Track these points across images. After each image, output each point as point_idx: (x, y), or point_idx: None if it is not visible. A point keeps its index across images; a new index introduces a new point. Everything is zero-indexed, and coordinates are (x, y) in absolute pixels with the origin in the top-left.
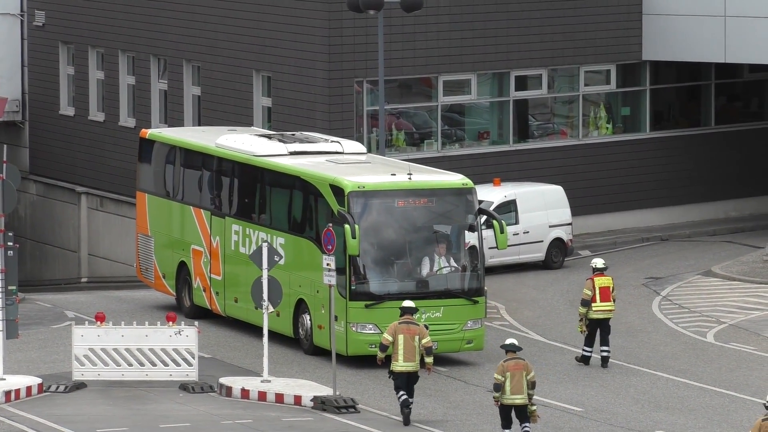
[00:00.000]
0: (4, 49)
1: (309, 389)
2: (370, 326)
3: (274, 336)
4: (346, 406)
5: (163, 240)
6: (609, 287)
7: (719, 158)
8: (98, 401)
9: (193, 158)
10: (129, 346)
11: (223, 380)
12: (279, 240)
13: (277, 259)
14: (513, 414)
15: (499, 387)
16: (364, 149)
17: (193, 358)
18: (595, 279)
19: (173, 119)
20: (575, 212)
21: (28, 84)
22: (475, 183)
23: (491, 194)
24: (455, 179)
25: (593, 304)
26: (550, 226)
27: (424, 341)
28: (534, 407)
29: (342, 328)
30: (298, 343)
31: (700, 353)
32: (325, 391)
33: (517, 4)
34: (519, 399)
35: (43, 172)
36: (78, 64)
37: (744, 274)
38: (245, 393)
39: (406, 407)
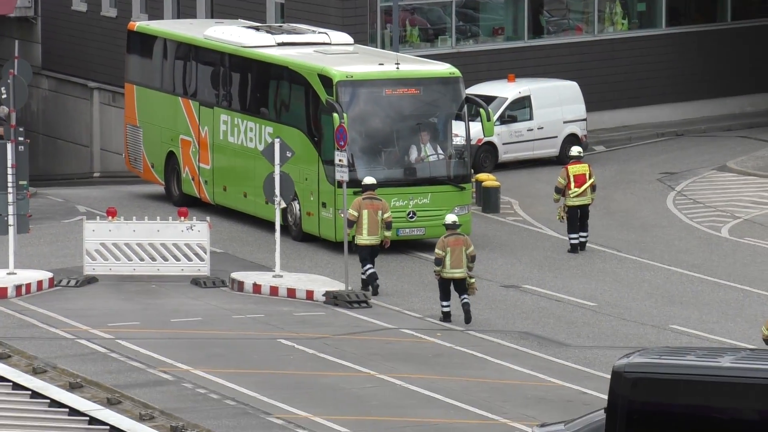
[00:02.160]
0: None
1: (321, 284)
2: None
3: (285, 230)
4: (358, 301)
5: (151, 130)
6: (585, 174)
7: (735, 54)
8: (109, 296)
9: (182, 50)
10: (140, 240)
11: (235, 275)
12: (267, 129)
13: (288, 155)
14: (452, 287)
15: (440, 261)
16: (351, 40)
17: (205, 252)
18: (570, 167)
19: (186, 15)
20: (590, 108)
21: None
22: (490, 79)
23: (505, 90)
24: (443, 68)
25: (569, 191)
26: (565, 122)
27: (385, 215)
28: (472, 280)
29: (331, 214)
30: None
31: (714, 248)
32: (337, 286)
33: None
34: (458, 273)
35: (55, 68)
36: None
37: (759, 168)
38: (257, 288)
39: (374, 280)
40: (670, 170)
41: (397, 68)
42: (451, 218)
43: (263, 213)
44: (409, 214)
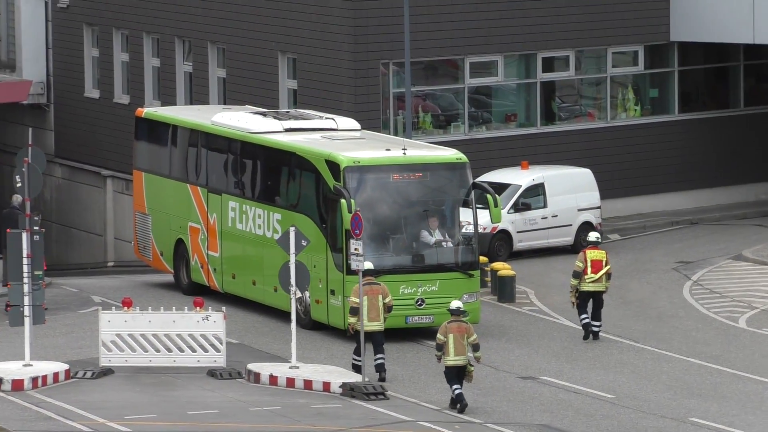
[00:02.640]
0: (28, 31)
1: (338, 375)
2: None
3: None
4: (375, 393)
5: (160, 218)
6: (602, 260)
7: (748, 140)
8: (126, 388)
9: (189, 136)
10: (156, 331)
11: (251, 366)
12: (275, 216)
13: (304, 243)
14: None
15: (441, 347)
16: (358, 126)
17: (221, 343)
18: (588, 252)
19: (198, 102)
20: (604, 195)
21: (52, 66)
22: (503, 166)
23: (519, 177)
24: (450, 154)
25: (585, 276)
26: (579, 210)
27: (386, 300)
28: (472, 368)
29: (339, 302)
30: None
31: (732, 339)
32: (354, 377)
33: None
34: (461, 360)
35: (68, 155)
36: (102, 46)
37: None
38: (273, 379)
39: (383, 371)
40: (685, 259)
41: (404, 153)
42: (455, 304)
43: (272, 301)
44: (417, 301)
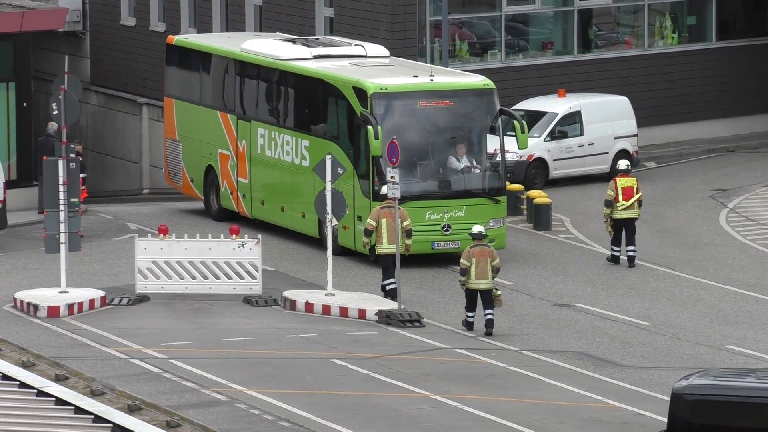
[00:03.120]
0: None
1: (373, 303)
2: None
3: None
4: (411, 320)
5: (190, 145)
6: (633, 187)
7: None
8: (161, 314)
9: (219, 63)
10: (192, 259)
11: (287, 294)
12: (303, 143)
13: (340, 171)
14: (479, 298)
15: (465, 271)
16: (387, 52)
17: (257, 271)
18: (618, 180)
19: (234, 30)
20: (640, 123)
21: None
22: (540, 94)
23: (556, 105)
24: (477, 80)
25: (617, 204)
26: (616, 138)
27: (405, 223)
28: (499, 292)
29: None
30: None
31: None
32: (390, 304)
33: None
34: (483, 284)
35: (104, 83)
36: None
37: None
38: (309, 306)
39: (394, 297)
40: (722, 187)
41: (432, 80)
42: (477, 228)
43: (300, 227)
44: (444, 227)
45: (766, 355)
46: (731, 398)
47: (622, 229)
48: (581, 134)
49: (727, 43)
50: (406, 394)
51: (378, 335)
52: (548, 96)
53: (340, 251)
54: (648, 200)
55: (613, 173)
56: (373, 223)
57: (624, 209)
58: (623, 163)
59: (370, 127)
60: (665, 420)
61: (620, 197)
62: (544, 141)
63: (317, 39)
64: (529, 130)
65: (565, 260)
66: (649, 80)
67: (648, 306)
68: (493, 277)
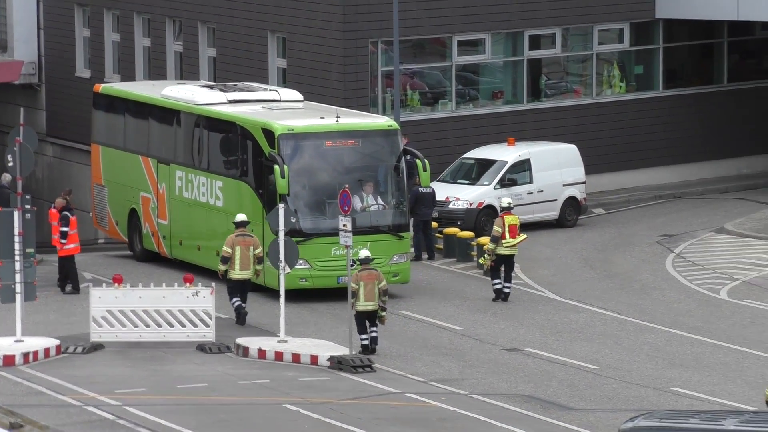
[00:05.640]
0: (20, 12)
1: (325, 349)
2: (301, 262)
3: (290, 296)
4: (362, 365)
5: (115, 189)
6: (516, 225)
7: (732, 116)
8: (116, 362)
9: (141, 109)
10: (146, 307)
11: (240, 341)
12: (217, 183)
13: (293, 220)
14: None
15: (354, 294)
16: (300, 97)
17: (210, 318)
18: (505, 217)
19: (189, 81)
20: (589, 171)
21: (44, 47)
22: (490, 142)
23: (505, 153)
24: (381, 121)
25: (503, 240)
26: (564, 185)
27: (257, 251)
28: (383, 313)
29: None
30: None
31: (713, 310)
32: (341, 350)
33: None
34: (371, 306)
35: (59, 134)
36: (93, 26)
37: (757, 230)
38: (262, 353)
39: (242, 310)
40: (668, 232)
41: (337, 121)
42: (364, 253)
43: (215, 265)
44: (351, 263)
45: (710, 397)
46: None
47: (503, 265)
48: (530, 182)
49: (674, 92)
50: None
51: (330, 380)
52: (498, 144)
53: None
54: (595, 246)
55: (562, 220)
56: (229, 250)
57: (508, 246)
58: (506, 201)
59: (276, 167)
60: None
61: (506, 234)
62: (494, 189)
63: (235, 85)
64: (479, 178)
65: (515, 305)
66: (597, 128)
67: (595, 350)
68: (382, 300)
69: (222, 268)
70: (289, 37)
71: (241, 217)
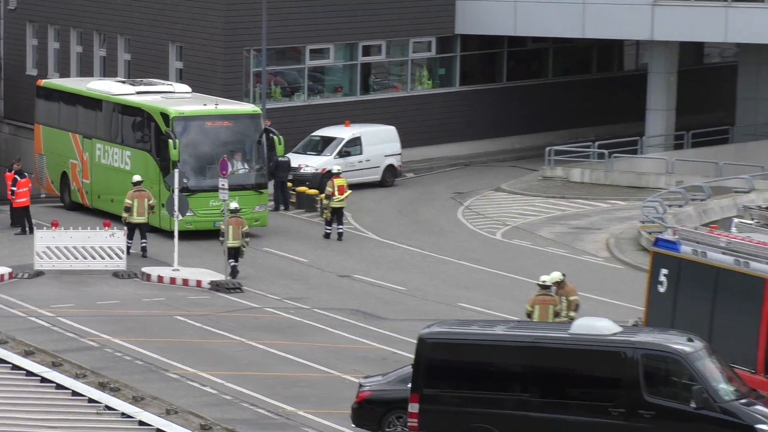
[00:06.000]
0: None
1: (207, 275)
2: (190, 211)
3: (179, 236)
4: (234, 288)
5: (51, 157)
6: (343, 185)
7: (509, 106)
8: (52, 285)
9: (72, 98)
10: (75, 244)
11: (145, 269)
12: (126, 153)
13: (185, 181)
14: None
15: (223, 234)
16: (189, 89)
17: (123, 253)
18: (335, 180)
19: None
20: (404, 145)
21: (3, 52)
22: (332, 124)
23: (343, 132)
24: (248, 108)
25: (334, 197)
26: (385, 156)
27: (150, 202)
28: (244, 249)
29: (166, 212)
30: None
31: (491, 247)
32: (219, 277)
33: None
34: (236, 243)
35: (14, 117)
36: (39, 37)
37: (523, 189)
38: (160, 278)
39: (128, 249)
40: (460, 191)
41: (216, 107)
42: (233, 205)
43: (119, 212)
44: (224, 211)
45: (486, 310)
46: (460, 341)
47: (335, 215)
48: (361, 153)
49: (468, 88)
50: (228, 341)
51: (210, 298)
52: (337, 126)
53: (151, 228)
54: (407, 200)
55: (383, 181)
56: (130, 202)
57: (338, 201)
58: (335, 168)
59: (170, 141)
60: (413, 356)
61: (336, 193)
62: (334, 158)
63: (141, 80)
64: (323, 150)
65: (347, 244)
66: (410, 114)
67: (405, 276)
68: (245, 240)
69: (125, 215)
70: (185, 46)
71: (137, 177)
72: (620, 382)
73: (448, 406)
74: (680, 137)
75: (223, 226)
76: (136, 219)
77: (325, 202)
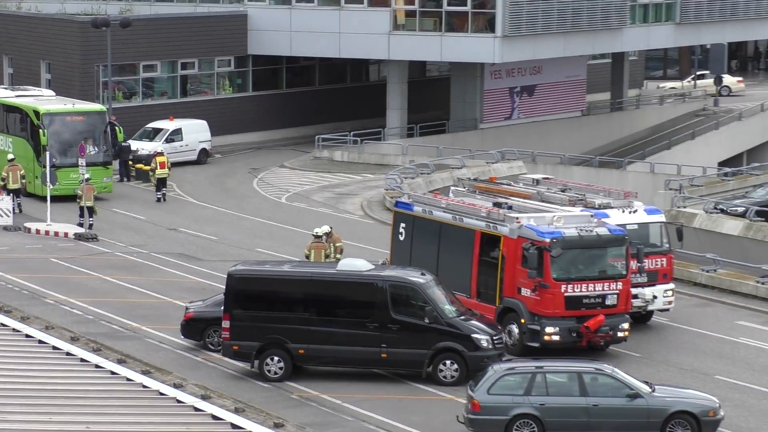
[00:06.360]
0: None
1: (72, 229)
2: (57, 182)
3: (53, 199)
4: (92, 238)
5: None
6: (164, 161)
7: (288, 105)
8: None
9: None
10: None
11: (27, 224)
12: (9, 140)
13: (55, 161)
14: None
15: (79, 197)
16: (54, 94)
17: (10, 213)
18: (157, 158)
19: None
20: (213, 134)
21: None
22: (161, 119)
23: (168, 125)
24: (97, 107)
25: (156, 171)
26: (200, 142)
27: (21, 172)
28: (96, 208)
29: (39, 183)
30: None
31: (278, 208)
32: (80, 230)
33: (174, 20)
34: (90, 203)
35: None
36: None
37: (301, 166)
38: (38, 231)
39: (19, 207)
40: (255, 167)
41: (73, 106)
42: (87, 176)
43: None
44: (81, 181)
45: (276, 253)
46: (257, 275)
47: (161, 183)
48: (182, 140)
49: (259, 93)
50: (89, 277)
51: (74, 246)
52: (164, 120)
53: (27, 194)
54: (216, 174)
55: (199, 161)
56: (5, 174)
57: (160, 173)
58: (160, 148)
59: (41, 131)
60: (224, 287)
61: (158, 168)
62: (162, 144)
63: (20, 87)
64: (154, 138)
65: (173, 205)
66: (217, 112)
67: (217, 229)
68: (93, 199)
69: (1, 183)
70: (52, 62)
71: (10, 156)
72: (374, 305)
73: (251, 323)
74: (411, 129)
75: (79, 192)
76: (12, 186)
77: (150, 174)
